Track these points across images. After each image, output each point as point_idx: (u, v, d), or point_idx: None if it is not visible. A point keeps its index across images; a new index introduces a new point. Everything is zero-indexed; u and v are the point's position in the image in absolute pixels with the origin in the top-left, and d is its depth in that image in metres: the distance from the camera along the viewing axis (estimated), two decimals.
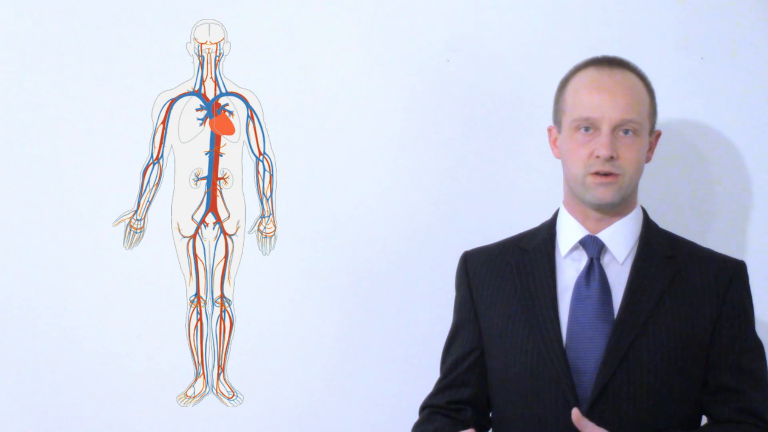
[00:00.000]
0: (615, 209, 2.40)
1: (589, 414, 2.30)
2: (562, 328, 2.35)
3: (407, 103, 2.84)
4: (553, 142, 2.47)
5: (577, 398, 2.32)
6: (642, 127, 2.38)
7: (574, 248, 2.41)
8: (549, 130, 2.49)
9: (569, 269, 2.40)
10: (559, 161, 2.45)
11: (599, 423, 2.29)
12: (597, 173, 2.36)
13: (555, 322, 2.35)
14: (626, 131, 2.37)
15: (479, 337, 2.44)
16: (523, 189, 2.80)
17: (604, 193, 2.37)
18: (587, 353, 2.33)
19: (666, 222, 2.57)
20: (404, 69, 2.83)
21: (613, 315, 2.35)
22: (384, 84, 2.84)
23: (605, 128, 2.36)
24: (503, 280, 2.43)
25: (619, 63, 2.43)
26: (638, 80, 2.42)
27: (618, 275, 2.38)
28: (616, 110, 2.36)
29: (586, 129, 2.37)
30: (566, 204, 2.45)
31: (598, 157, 2.35)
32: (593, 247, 2.39)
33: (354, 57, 2.84)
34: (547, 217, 2.50)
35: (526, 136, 2.79)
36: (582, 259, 2.40)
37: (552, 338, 2.34)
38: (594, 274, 2.37)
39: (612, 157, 2.35)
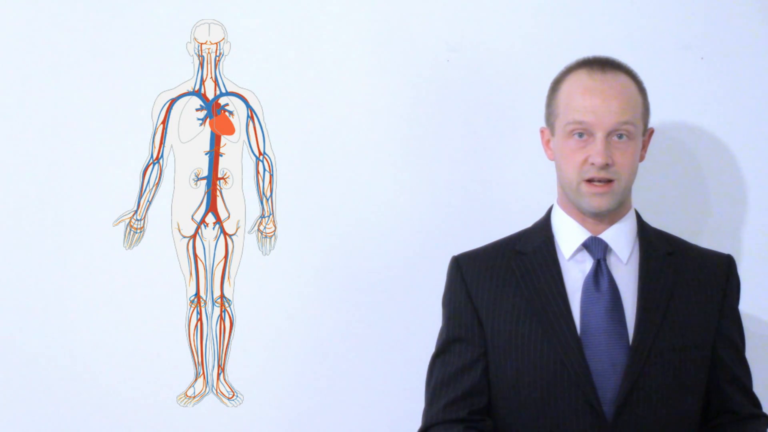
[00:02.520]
0: (611, 213, 2.40)
1: (618, 416, 2.31)
2: (576, 331, 2.35)
3: (407, 103, 2.84)
4: (546, 144, 2.47)
5: (599, 401, 2.32)
6: (636, 129, 2.38)
7: (578, 250, 2.41)
8: (541, 131, 2.49)
9: (574, 271, 2.40)
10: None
11: (627, 425, 2.30)
12: (591, 181, 2.36)
13: (570, 325, 2.34)
14: (620, 135, 2.36)
15: (484, 343, 2.41)
16: (523, 189, 2.80)
17: (600, 202, 2.37)
18: (604, 355, 2.33)
19: (666, 222, 2.58)
20: (404, 69, 2.83)
21: (624, 315, 2.35)
22: (384, 84, 2.84)
23: (599, 134, 2.35)
24: (505, 284, 2.41)
25: (611, 64, 2.42)
26: (630, 81, 2.41)
27: (624, 275, 2.39)
28: (610, 115, 2.35)
29: (580, 135, 2.37)
30: (562, 205, 2.45)
31: (593, 164, 2.35)
32: (598, 248, 2.39)
33: (354, 57, 2.84)
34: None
35: (526, 136, 2.79)
36: (586, 261, 2.40)
37: (569, 341, 2.33)
38: (602, 275, 2.37)
39: (607, 164, 2.34)
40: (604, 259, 2.38)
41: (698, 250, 2.47)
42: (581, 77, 2.40)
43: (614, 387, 2.32)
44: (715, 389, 2.41)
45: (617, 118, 2.35)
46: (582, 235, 2.41)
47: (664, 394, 2.32)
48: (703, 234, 2.76)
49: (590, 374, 2.32)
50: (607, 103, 2.36)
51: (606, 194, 2.36)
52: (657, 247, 2.41)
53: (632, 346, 2.32)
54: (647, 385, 2.32)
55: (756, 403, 2.46)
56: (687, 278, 2.40)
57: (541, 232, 2.45)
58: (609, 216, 2.41)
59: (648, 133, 2.45)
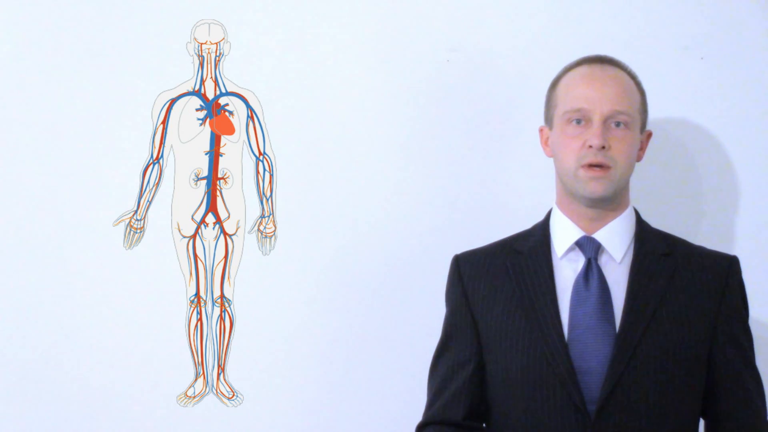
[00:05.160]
0: (608, 205, 2.40)
1: (599, 415, 2.30)
2: (563, 329, 2.35)
3: (407, 102, 2.83)
4: (545, 142, 2.48)
5: (583, 399, 2.32)
6: (633, 120, 2.39)
7: (570, 249, 2.41)
8: (540, 130, 2.50)
9: (566, 270, 2.40)
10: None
11: (610, 424, 2.29)
12: (589, 165, 2.36)
13: (557, 324, 2.35)
14: (618, 123, 2.38)
15: (478, 342, 2.42)
16: (523, 189, 2.80)
17: (596, 187, 2.37)
18: (591, 354, 2.33)
19: (665, 222, 2.58)
20: (404, 69, 2.83)
21: (613, 315, 2.35)
22: (384, 84, 2.84)
23: (597, 119, 2.37)
24: (499, 282, 2.42)
25: (609, 60, 2.45)
26: (628, 77, 2.43)
27: (616, 275, 2.38)
28: (608, 102, 2.37)
29: (578, 121, 2.38)
30: (560, 204, 2.45)
31: (590, 147, 2.36)
32: (590, 247, 2.39)
33: (354, 57, 2.84)
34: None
35: (526, 136, 2.79)
36: (579, 260, 2.40)
37: (555, 339, 2.34)
38: (593, 274, 2.37)
39: (604, 147, 2.35)
40: (596, 258, 2.38)
41: (701, 251, 2.45)
42: (580, 70, 2.43)
43: (599, 386, 2.32)
44: (710, 396, 2.38)
45: (614, 105, 2.37)
46: (576, 233, 2.41)
47: (649, 394, 2.31)
48: (701, 233, 2.76)
49: (575, 373, 2.31)
50: (605, 90, 2.38)
51: (603, 179, 2.36)
52: (653, 248, 2.41)
53: (616, 344, 2.32)
54: (631, 383, 2.31)
55: (760, 414, 2.40)
56: (684, 280, 2.38)
57: (539, 232, 2.46)
58: (604, 214, 2.41)
59: (646, 134, 2.46)
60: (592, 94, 2.38)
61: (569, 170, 2.39)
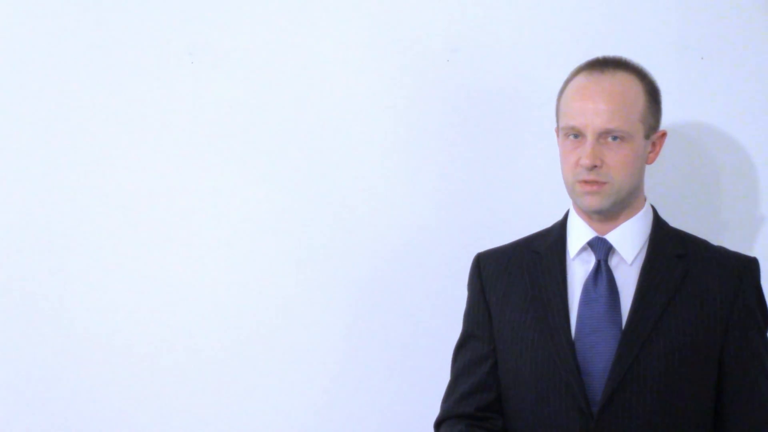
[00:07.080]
0: (615, 213, 2.40)
1: (601, 417, 2.30)
2: (571, 331, 2.35)
3: (407, 102, 2.84)
4: None
5: (587, 400, 2.32)
6: (630, 134, 2.36)
7: (583, 249, 2.41)
8: (556, 131, 2.49)
9: (579, 271, 2.40)
10: None
11: (611, 426, 2.29)
12: (584, 181, 2.36)
13: (565, 325, 2.35)
14: (614, 137, 2.36)
15: (494, 340, 2.43)
16: (524, 189, 2.80)
17: (592, 202, 2.37)
18: (596, 356, 2.33)
19: (670, 222, 2.58)
20: (404, 69, 2.83)
21: (620, 317, 2.35)
22: (384, 84, 2.84)
23: (589, 137, 2.35)
24: (516, 282, 2.43)
25: (614, 64, 2.41)
26: (633, 81, 2.39)
27: (626, 277, 2.38)
28: (599, 119, 2.34)
29: (575, 136, 2.37)
30: (573, 205, 2.45)
31: (582, 165, 2.35)
32: (601, 248, 2.39)
33: (354, 57, 2.84)
34: (550, 217, 2.50)
35: (526, 136, 2.79)
36: (590, 261, 2.40)
37: (562, 341, 2.34)
38: (601, 276, 2.37)
39: (596, 166, 2.34)
40: (606, 260, 2.38)
41: (718, 252, 2.42)
42: (579, 80, 2.41)
43: (603, 388, 2.31)
44: (720, 401, 2.36)
45: (605, 122, 2.35)
46: (588, 234, 2.41)
47: (653, 396, 2.31)
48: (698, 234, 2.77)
49: (579, 375, 2.32)
50: (596, 106, 2.35)
51: (598, 194, 2.36)
52: (667, 249, 2.39)
53: (618, 348, 2.32)
54: (633, 386, 2.31)
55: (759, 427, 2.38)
56: (696, 281, 2.36)
57: (557, 232, 2.46)
58: (616, 216, 2.40)
59: (658, 135, 2.44)
60: (584, 111, 2.36)
61: (567, 183, 2.39)
